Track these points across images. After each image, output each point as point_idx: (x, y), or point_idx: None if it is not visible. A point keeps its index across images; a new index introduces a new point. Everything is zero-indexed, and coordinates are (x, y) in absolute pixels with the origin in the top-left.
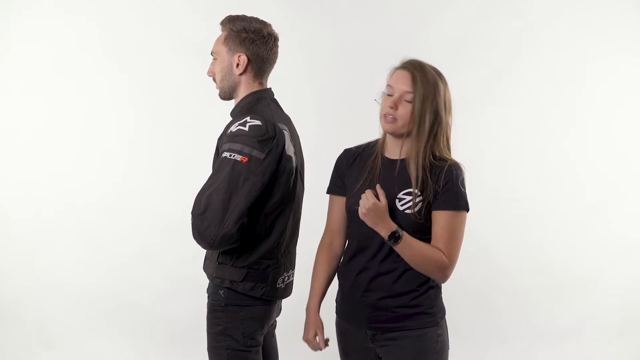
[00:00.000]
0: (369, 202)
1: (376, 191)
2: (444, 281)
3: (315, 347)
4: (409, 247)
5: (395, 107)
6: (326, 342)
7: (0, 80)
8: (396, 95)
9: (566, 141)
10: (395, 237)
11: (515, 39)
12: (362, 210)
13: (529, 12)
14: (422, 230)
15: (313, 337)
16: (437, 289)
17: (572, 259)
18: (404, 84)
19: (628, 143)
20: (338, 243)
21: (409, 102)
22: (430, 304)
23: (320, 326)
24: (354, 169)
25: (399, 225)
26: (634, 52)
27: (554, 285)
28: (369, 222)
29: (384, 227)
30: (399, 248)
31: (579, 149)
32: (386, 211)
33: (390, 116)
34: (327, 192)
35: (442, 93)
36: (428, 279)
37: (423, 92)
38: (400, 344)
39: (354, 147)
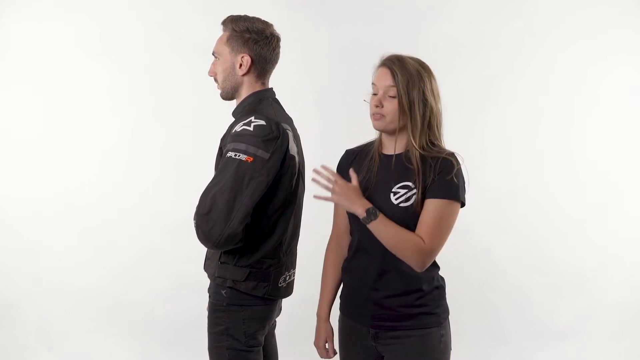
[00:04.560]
0: (338, 184)
1: (350, 174)
2: (420, 269)
3: (324, 355)
4: (384, 226)
5: (380, 104)
6: (335, 352)
7: (0, 79)
8: (380, 92)
9: (567, 141)
10: (372, 213)
11: (516, 39)
12: (334, 195)
13: (529, 12)
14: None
15: (323, 344)
16: (442, 289)
17: (572, 258)
18: (385, 80)
19: (628, 143)
20: (345, 244)
21: (394, 96)
22: (435, 304)
23: (330, 334)
24: (353, 168)
25: (393, 219)
26: (634, 53)
27: (554, 285)
28: (345, 205)
29: (360, 206)
30: (374, 227)
31: (580, 148)
32: (358, 191)
33: (378, 114)
34: None
35: (426, 81)
36: (433, 279)
37: (406, 84)
38: (403, 342)
39: (354, 148)
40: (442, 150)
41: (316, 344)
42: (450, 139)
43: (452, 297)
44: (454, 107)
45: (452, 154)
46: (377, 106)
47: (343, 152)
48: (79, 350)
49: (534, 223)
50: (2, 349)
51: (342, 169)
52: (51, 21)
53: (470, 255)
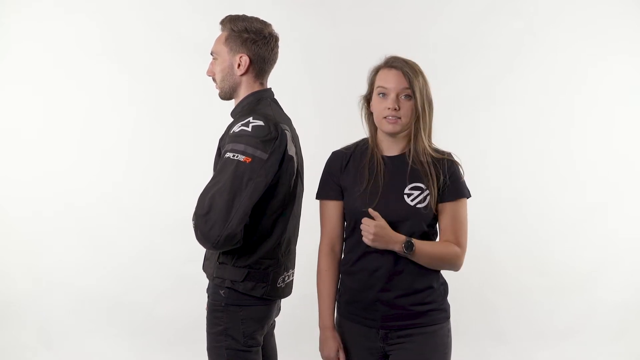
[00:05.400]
0: (372, 227)
1: (370, 215)
2: (458, 270)
3: None
4: (424, 252)
5: (397, 107)
6: None
7: (0, 79)
8: (393, 94)
9: (566, 141)
10: (409, 246)
11: (516, 39)
12: (368, 238)
13: (529, 12)
14: (431, 223)
15: (335, 354)
16: (446, 285)
17: (572, 258)
18: (399, 83)
19: (628, 143)
20: (339, 248)
21: (408, 99)
22: (442, 300)
23: (340, 342)
24: (350, 171)
25: (411, 221)
26: (633, 53)
27: (554, 285)
28: (380, 246)
29: (396, 242)
30: (415, 255)
31: (580, 148)
32: (389, 228)
33: (393, 117)
34: (320, 198)
35: (427, 82)
36: (439, 275)
37: (419, 85)
38: (414, 340)
39: (342, 149)
40: (440, 150)
41: (327, 355)
42: (450, 139)
43: (452, 297)
44: (454, 107)
45: (451, 154)
46: (395, 109)
47: (331, 155)
48: (79, 350)
49: (534, 223)
50: (2, 349)
51: (334, 172)
52: (51, 21)
53: (470, 255)
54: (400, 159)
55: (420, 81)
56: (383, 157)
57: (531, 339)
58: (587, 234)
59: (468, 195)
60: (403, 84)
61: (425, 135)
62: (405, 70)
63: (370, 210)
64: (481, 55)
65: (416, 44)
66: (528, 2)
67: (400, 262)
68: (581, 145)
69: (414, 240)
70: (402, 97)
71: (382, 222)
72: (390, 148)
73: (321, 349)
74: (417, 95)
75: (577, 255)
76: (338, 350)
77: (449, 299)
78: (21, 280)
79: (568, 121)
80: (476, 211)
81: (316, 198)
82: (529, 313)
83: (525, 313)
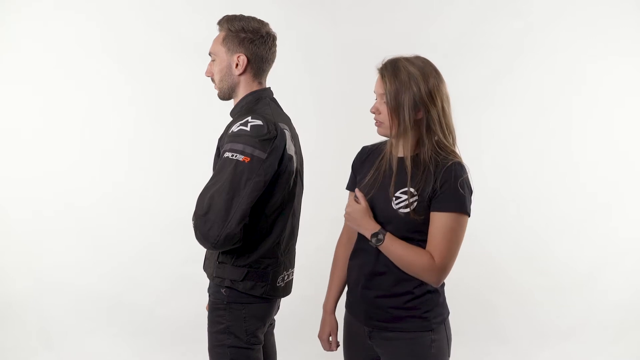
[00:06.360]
0: (349, 206)
1: (357, 195)
2: (436, 284)
3: (326, 348)
4: (393, 249)
5: (377, 111)
6: (338, 344)
7: (0, 79)
8: (378, 99)
9: (566, 141)
10: (377, 238)
11: (516, 39)
12: (345, 215)
13: (529, 12)
14: (420, 230)
15: (327, 337)
16: (436, 293)
17: (572, 259)
18: (379, 87)
19: (628, 143)
20: (355, 240)
21: (385, 102)
22: (426, 309)
23: (335, 327)
24: (365, 166)
25: (393, 224)
26: (634, 53)
27: (554, 285)
28: (352, 225)
29: (367, 229)
30: (383, 249)
31: (580, 149)
32: (366, 213)
33: (377, 121)
34: (346, 189)
35: (420, 83)
36: (424, 284)
37: (394, 89)
38: (393, 344)
39: (370, 145)
40: (448, 158)
41: (320, 336)
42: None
43: (452, 297)
44: (453, 107)
45: (458, 163)
46: (373, 112)
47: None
48: (79, 350)
49: (534, 223)
50: (2, 349)
51: (356, 165)
52: (51, 21)
53: (471, 256)
54: (399, 161)
55: (397, 85)
56: (392, 158)
57: (531, 339)
58: (587, 234)
59: (463, 211)
60: (380, 90)
61: (407, 139)
62: (384, 74)
63: (357, 190)
64: (481, 55)
65: (416, 44)
66: (528, 2)
67: (380, 262)
68: (581, 145)
69: (388, 236)
70: (383, 102)
71: (362, 204)
72: (400, 149)
73: (319, 331)
74: (389, 99)
75: (577, 255)
76: (330, 334)
77: (448, 299)
78: (21, 280)
79: (568, 121)
80: (476, 211)
81: (345, 188)
82: (529, 313)
83: (525, 313)
